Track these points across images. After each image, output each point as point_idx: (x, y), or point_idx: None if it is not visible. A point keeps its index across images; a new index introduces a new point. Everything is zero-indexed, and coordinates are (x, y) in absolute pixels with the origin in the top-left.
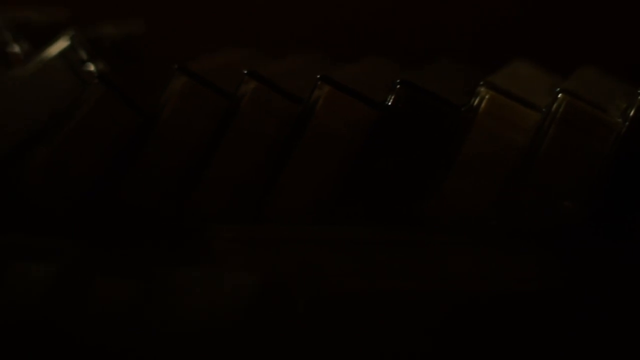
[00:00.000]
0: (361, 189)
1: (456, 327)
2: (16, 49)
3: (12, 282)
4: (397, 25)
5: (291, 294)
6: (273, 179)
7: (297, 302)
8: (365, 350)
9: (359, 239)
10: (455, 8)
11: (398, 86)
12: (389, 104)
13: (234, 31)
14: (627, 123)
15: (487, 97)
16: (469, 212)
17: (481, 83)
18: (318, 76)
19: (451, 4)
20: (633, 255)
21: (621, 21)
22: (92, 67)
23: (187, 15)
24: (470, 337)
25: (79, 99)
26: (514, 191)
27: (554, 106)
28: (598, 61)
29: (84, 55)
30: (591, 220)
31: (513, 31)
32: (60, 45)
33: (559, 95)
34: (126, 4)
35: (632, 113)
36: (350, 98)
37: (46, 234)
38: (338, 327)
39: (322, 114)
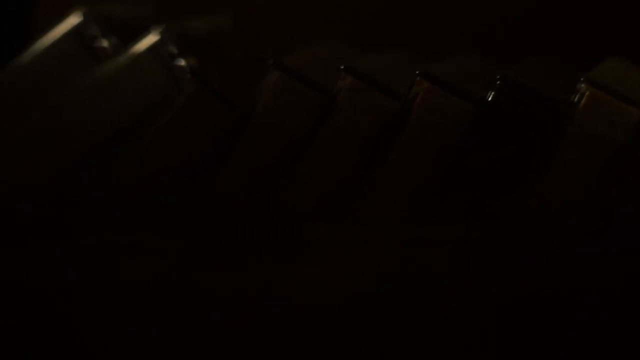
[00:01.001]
0: (456, 186)
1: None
2: (104, 44)
3: (120, 279)
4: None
5: (389, 293)
6: (368, 177)
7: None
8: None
9: (453, 237)
10: None
11: (498, 82)
12: (489, 99)
13: (321, 25)
14: None
15: (587, 93)
16: (558, 210)
17: (581, 79)
18: (417, 72)
19: None
20: None
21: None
22: (182, 63)
23: (273, 8)
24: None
25: (169, 94)
26: (604, 189)
27: None
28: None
29: (174, 50)
30: None
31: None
32: (150, 40)
33: None
34: None
35: None
36: (450, 94)
37: (138, 230)
38: (433, 325)
39: (421, 110)
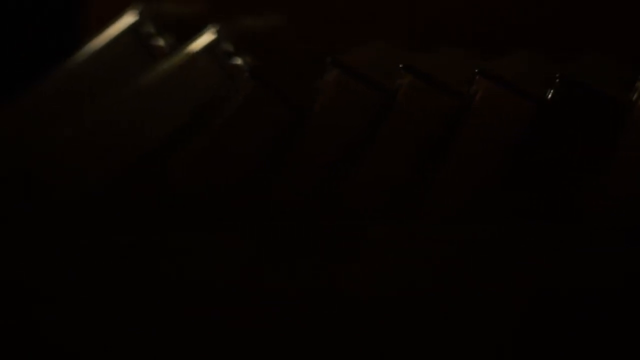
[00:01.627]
0: (517, 185)
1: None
2: (161, 42)
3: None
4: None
5: (452, 293)
6: (428, 176)
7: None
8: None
9: (514, 237)
10: None
11: (557, 80)
12: (548, 98)
13: (376, 24)
14: None
15: None
16: (617, 208)
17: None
18: (476, 70)
19: None
20: None
21: None
22: (238, 61)
23: (329, 7)
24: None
25: (226, 92)
26: None
27: None
28: None
29: (230, 48)
30: None
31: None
32: (206, 38)
33: None
34: None
35: None
36: (510, 92)
37: (198, 229)
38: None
39: (482, 109)
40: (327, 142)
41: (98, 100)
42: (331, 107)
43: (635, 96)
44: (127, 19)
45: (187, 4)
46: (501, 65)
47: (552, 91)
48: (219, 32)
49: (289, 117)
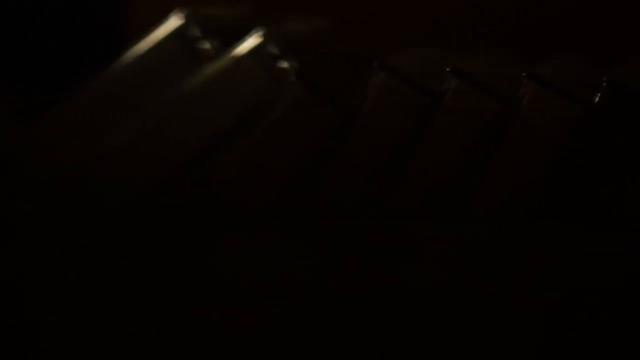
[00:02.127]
0: (562, 188)
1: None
2: (206, 46)
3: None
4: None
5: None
6: (473, 178)
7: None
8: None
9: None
10: None
11: (605, 84)
12: (595, 101)
13: (422, 26)
14: None
15: None
16: None
17: None
18: (523, 74)
19: None
20: None
21: None
22: (284, 64)
23: (374, 10)
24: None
25: (272, 96)
26: None
27: None
28: None
29: (276, 52)
30: None
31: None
32: (252, 42)
33: None
34: (312, 0)
35: None
36: (557, 95)
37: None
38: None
39: (528, 112)
40: (374, 145)
41: (144, 104)
42: (378, 109)
43: None
44: (173, 23)
45: (233, 7)
46: (544, 67)
47: (599, 95)
48: (265, 35)
49: (335, 120)
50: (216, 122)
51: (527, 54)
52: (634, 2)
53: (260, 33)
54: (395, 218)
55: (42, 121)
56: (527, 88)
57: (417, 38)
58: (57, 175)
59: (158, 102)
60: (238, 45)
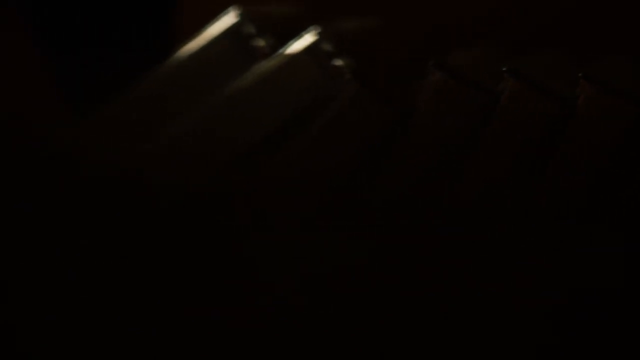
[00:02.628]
0: (615, 192)
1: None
2: (261, 43)
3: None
4: None
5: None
6: (530, 180)
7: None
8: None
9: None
10: None
11: None
12: None
13: (477, 25)
14: None
15: None
16: None
17: None
18: (580, 74)
19: None
20: None
21: None
22: (340, 63)
23: (428, 8)
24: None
25: (327, 94)
26: None
27: None
28: None
29: (331, 50)
30: None
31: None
32: (306, 40)
33: None
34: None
35: None
36: (615, 97)
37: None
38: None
39: (585, 114)
40: (429, 144)
41: (196, 103)
42: (433, 108)
43: None
44: (227, 20)
45: (288, 5)
46: (603, 68)
47: None
48: (320, 33)
49: (390, 119)
50: (269, 121)
51: (582, 54)
52: None
53: (315, 31)
54: (448, 219)
55: (93, 120)
56: (584, 89)
57: (471, 37)
58: (108, 175)
59: (210, 100)
60: (293, 43)
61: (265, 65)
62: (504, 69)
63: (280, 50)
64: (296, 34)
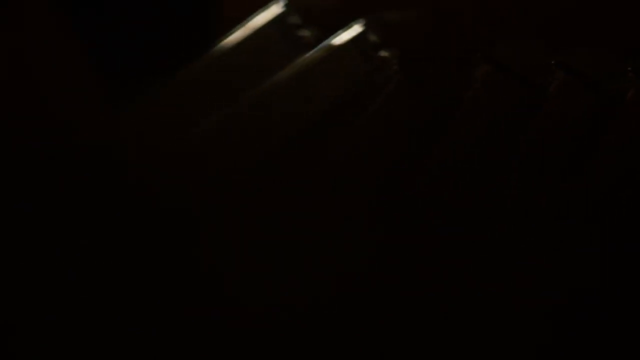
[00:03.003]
0: None
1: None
2: (306, 33)
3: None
4: None
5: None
6: (574, 173)
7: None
8: None
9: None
10: None
11: None
12: None
13: (524, 17)
14: None
15: None
16: None
17: None
18: (629, 68)
19: None
20: None
21: None
22: (386, 54)
23: (471, 1)
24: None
25: (372, 85)
26: None
27: None
28: None
29: (377, 41)
30: None
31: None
32: (352, 31)
33: None
34: None
35: None
36: None
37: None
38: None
39: (631, 109)
40: (476, 136)
41: (241, 91)
42: (481, 101)
43: None
44: (273, 10)
45: None
46: None
47: None
48: (366, 24)
49: (437, 111)
50: (314, 111)
51: (625, 49)
52: None
53: (361, 22)
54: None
55: (136, 108)
56: (632, 83)
57: (519, 30)
58: (150, 164)
59: (255, 89)
60: (339, 34)
61: (312, 55)
62: (552, 62)
63: (327, 41)
64: (341, 25)
